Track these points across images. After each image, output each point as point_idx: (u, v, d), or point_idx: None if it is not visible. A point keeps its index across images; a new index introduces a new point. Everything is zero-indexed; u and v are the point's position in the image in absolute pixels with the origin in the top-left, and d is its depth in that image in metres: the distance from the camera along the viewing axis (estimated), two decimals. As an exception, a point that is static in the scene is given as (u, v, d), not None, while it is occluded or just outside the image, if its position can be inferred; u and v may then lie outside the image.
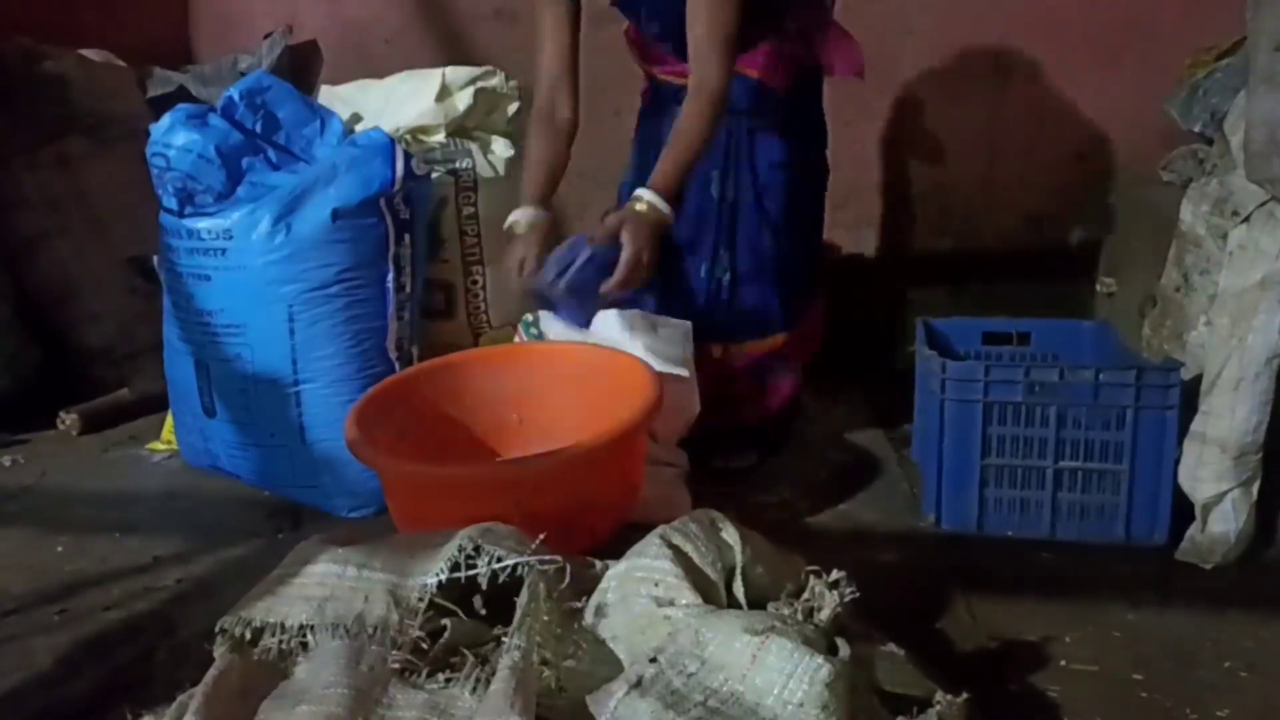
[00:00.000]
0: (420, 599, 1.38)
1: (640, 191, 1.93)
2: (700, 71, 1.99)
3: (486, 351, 2.29)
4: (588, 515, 1.79)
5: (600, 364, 2.07)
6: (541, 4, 2.16)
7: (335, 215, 2.09)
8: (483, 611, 1.39)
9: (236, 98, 2.24)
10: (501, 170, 2.66)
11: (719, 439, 2.29)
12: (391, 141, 2.19)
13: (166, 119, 2.21)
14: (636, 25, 2.28)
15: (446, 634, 1.38)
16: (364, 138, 2.21)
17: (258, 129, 2.25)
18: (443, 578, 1.39)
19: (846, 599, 1.40)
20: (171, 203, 2.21)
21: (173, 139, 2.18)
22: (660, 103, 2.32)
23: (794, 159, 2.23)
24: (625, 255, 1.86)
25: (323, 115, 2.30)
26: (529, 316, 2.33)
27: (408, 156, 2.20)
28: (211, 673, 1.32)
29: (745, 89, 2.14)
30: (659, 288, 2.22)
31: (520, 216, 2.05)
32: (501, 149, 2.69)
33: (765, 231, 2.23)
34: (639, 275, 1.88)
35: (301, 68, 3.43)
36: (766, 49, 2.17)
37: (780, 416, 2.40)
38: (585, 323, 1.99)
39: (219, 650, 1.39)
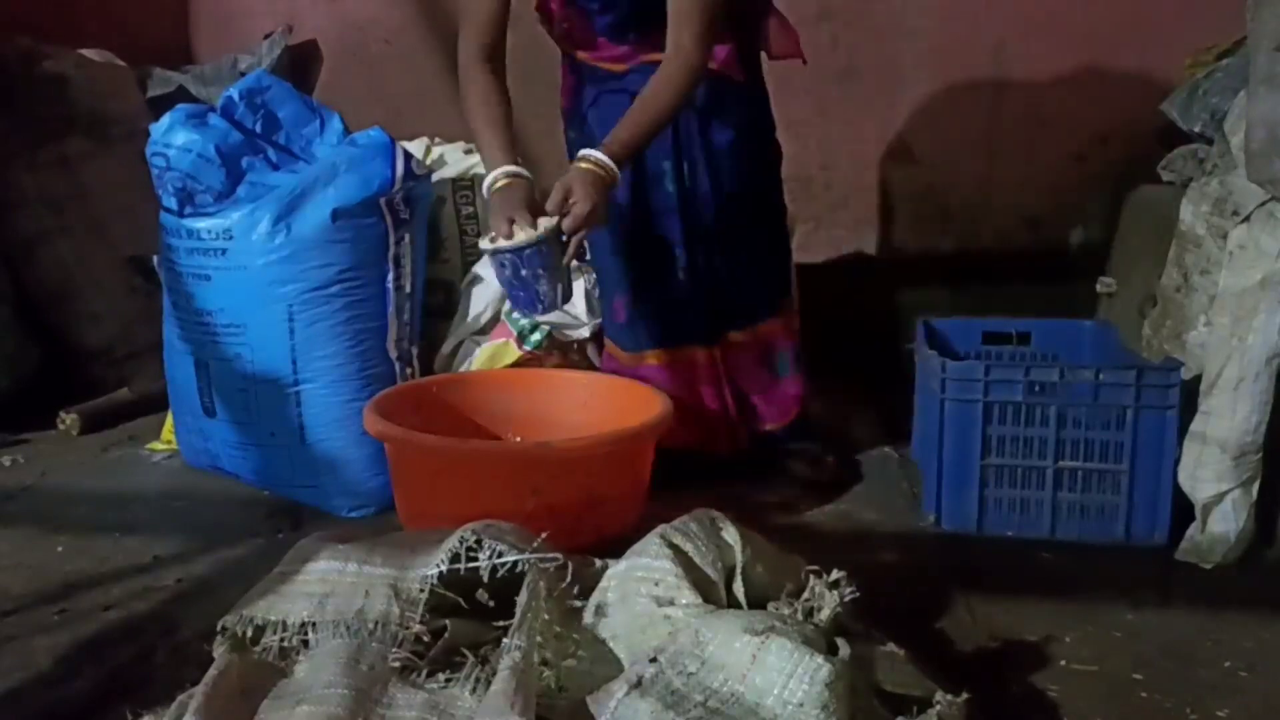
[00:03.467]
0: (421, 590, 1.38)
1: (586, 152, 1.86)
2: (678, 41, 1.93)
3: (493, 373, 2.35)
4: (599, 512, 1.82)
5: (603, 390, 2.16)
6: None
7: (335, 215, 2.09)
8: (491, 604, 1.39)
9: (236, 97, 2.24)
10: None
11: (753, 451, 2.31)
12: (391, 141, 2.19)
13: (166, 119, 2.21)
14: None
15: (447, 634, 1.38)
16: (364, 137, 2.21)
17: (258, 129, 2.25)
18: (443, 568, 1.39)
19: (846, 599, 1.40)
20: (171, 203, 2.21)
21: (173, 139, 2.18)
22: (584, 94, 2.22)
23: (748, 144, 2.18)
24: (576, 210, 1.80)
25: (323, 115, 2.30)
26: (523, 322, 2.36)
27: (408, 156, 2.20)
28: (211, 672, 1.32)
29: (706, 83, 2.06)
30: (636, 289, 2.20)
31: (500, 179, 1.89)
32: None
33: (726, 216, 2.19)
34: (592, 223, 1.84)
35: (301, 68, 3.44)
36: (730, 43, 2.12)
37: (795, 423, 2.33)
38: (539, 307, 1.89)
39: (219, 649, 1.39)
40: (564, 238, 1.82)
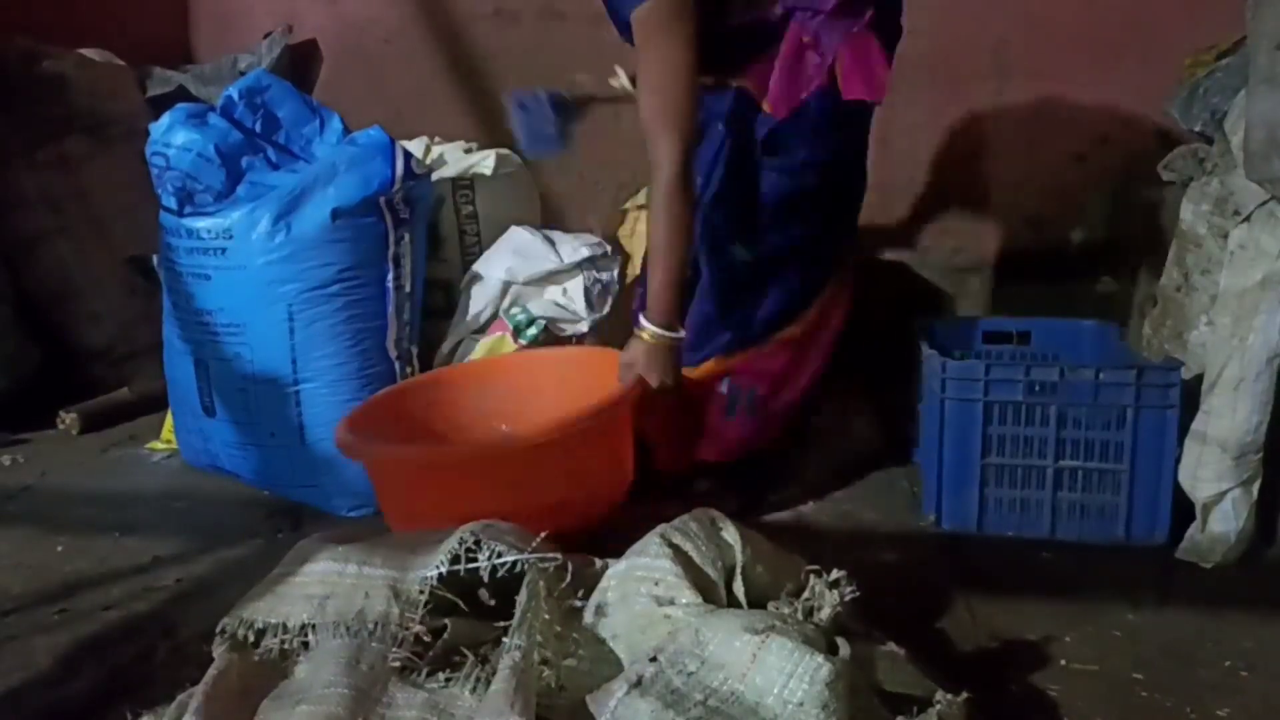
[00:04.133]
0: (421, 591, 1.38)
1: (643, 323, 1.86)
2: (651, 157, 1.80)
3: (468, 366, 2.33)
4: (581, 494, 1.80)
5: (579, 363, 2.13)
6: (667, 33, 1.78)
7: (335, 215, 2.09)
8: (491, 602, 1.40)
9: (236, 97, 2.24)
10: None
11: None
12: (391, 140, 2.19)
13: (166, 118, 2.22)
14: None
15: (447, 633, 1.38)
16: (363, 136, 2.21)
17: (257, 128, 2.25)
18: (443, 570, 1.39)
19: (846, 599, 1.40)
20: (171, 202, 2.21)
21: (172, 138, 2.18)
22: None
23: (771, 185, 2.03)
24: (649, 385, 1.85)
25: (322, 115, 2.30)
26: (520, 316, 2.37)
27: (407, 155, 2.20)
28: (211, 672, 1.32)
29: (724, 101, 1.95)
30: None
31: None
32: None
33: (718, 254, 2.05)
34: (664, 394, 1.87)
35: (301, 68, 3.44)
36: (758, 68, 1.97)
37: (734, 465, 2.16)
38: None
39: (219, 650, 1.39)
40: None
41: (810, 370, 2.20)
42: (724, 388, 2.10)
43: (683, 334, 1.89)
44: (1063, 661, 1.57)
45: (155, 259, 2.38)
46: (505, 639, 1.29)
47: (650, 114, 1.80)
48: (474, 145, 2.89)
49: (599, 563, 1.53)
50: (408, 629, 1.36)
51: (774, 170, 2.03)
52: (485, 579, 1.38)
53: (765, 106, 2.01)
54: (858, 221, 2.37)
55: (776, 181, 2.04)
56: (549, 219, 3.04)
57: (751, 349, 2.10)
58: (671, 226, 1.82)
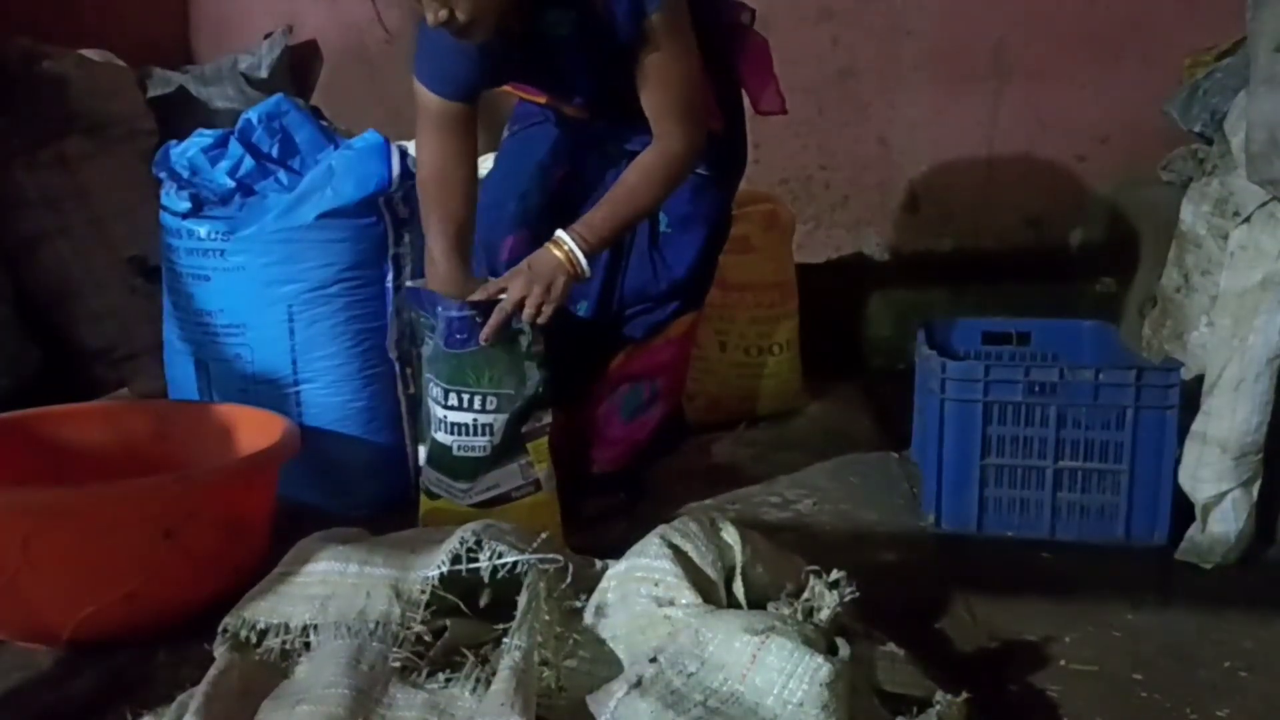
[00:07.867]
0: (423, 591, 1.39)
1: (562, 235, 1.75)
2: (659, 130, 1.79)
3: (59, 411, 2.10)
4: (239, 545, 1.69)
5: (184, 421, 2.04)
6: (687, 31, 1.77)
7: (334, 215, 2.09)
8: (485, 600, 1.39)
9: (255, 120, 2.23)
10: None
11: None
12: (385, 141, 2.19)
13: (185, 145, 2.21)
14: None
15: (447, 633, 1.38)
16: (359, 140, 2.21)
17: (273, 153, 2.24)
18: (444, 570, 1.39)
19: (846, 599, 1.40)
20: (180, 207, 2.19)
21: (188, 162, 2.18)
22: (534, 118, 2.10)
23: (704, 198, 1.99)
24: (511, 295, 1.73)
25: (338, 142, 2.30)
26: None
27: (403, 154, 2.20)
28: (212, 672, 1.32)
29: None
30: None
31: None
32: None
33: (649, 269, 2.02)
34: (541, 312, 1.74)
35: (301, 68, 3.44)
36: (710, 94, 1.91)
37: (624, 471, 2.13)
38: None
39: (219, 650, 1.39)
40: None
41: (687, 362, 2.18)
42: (623, 390, 2.07)
43: (586, 274, 1.78)
44: (1063, 661, 1.57)
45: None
46: (505, 639, 1.29)
47: (668, 104, 1.78)
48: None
49: (599, 563, 1.53)
50: (409, 629, 1.36)
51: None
52: (486, 579, 1.39)
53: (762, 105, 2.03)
54: None
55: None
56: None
57: (652, 343, 2.06)
58: (659, 193, 1.81)
